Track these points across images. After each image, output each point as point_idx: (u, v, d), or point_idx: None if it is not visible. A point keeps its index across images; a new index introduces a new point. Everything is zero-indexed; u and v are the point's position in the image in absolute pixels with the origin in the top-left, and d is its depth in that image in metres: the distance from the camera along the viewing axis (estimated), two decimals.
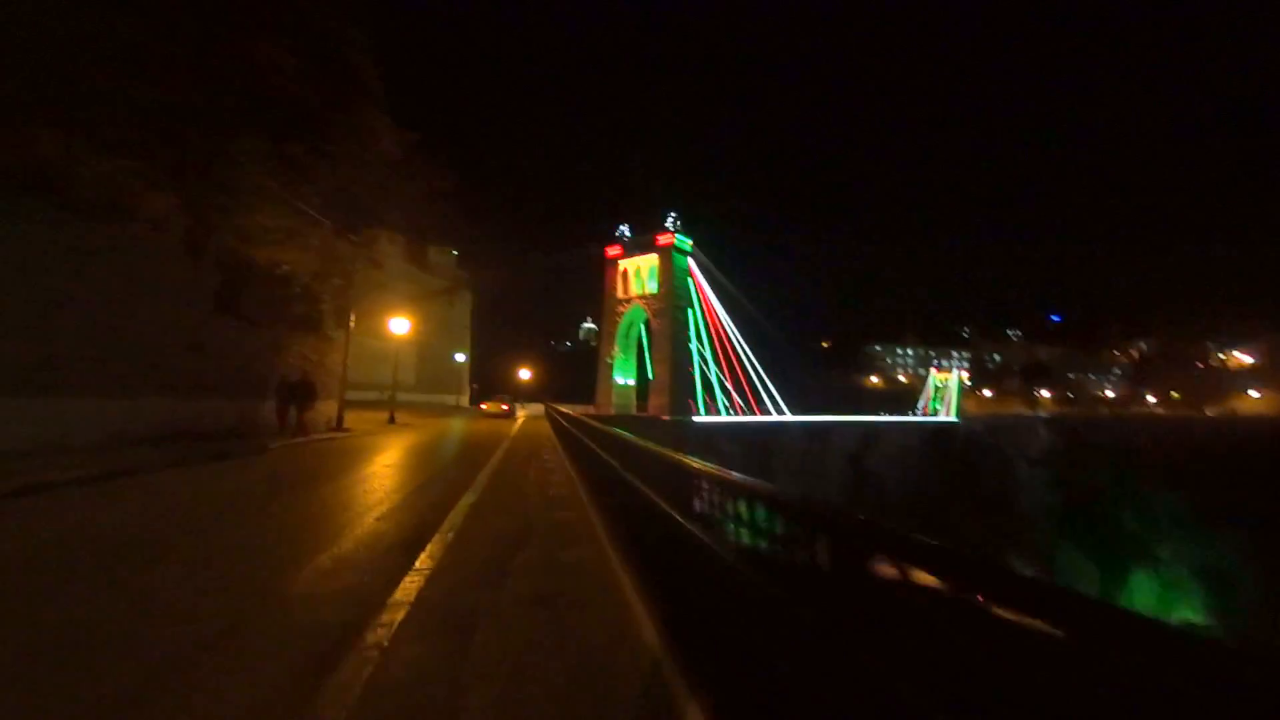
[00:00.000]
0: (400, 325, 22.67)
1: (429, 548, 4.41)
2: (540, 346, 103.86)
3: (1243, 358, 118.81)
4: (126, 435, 10.45)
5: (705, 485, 3.01)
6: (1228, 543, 48.22)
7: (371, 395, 35.65)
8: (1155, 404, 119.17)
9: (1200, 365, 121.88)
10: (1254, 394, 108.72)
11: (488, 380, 65.20)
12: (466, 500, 6.54)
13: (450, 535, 4.85)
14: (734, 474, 2.61)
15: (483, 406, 40.85)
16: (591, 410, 43.31)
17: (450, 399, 48.65)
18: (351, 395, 32.92)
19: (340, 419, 17.80)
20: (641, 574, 3.81)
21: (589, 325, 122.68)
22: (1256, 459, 61.03)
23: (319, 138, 15.55)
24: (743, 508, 2.45)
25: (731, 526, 2.55)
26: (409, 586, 3.50)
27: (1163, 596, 49.27)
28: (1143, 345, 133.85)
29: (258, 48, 12.98)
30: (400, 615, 3.06)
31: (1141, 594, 49.37)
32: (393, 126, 18.06)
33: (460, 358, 53.36)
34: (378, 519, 5.49)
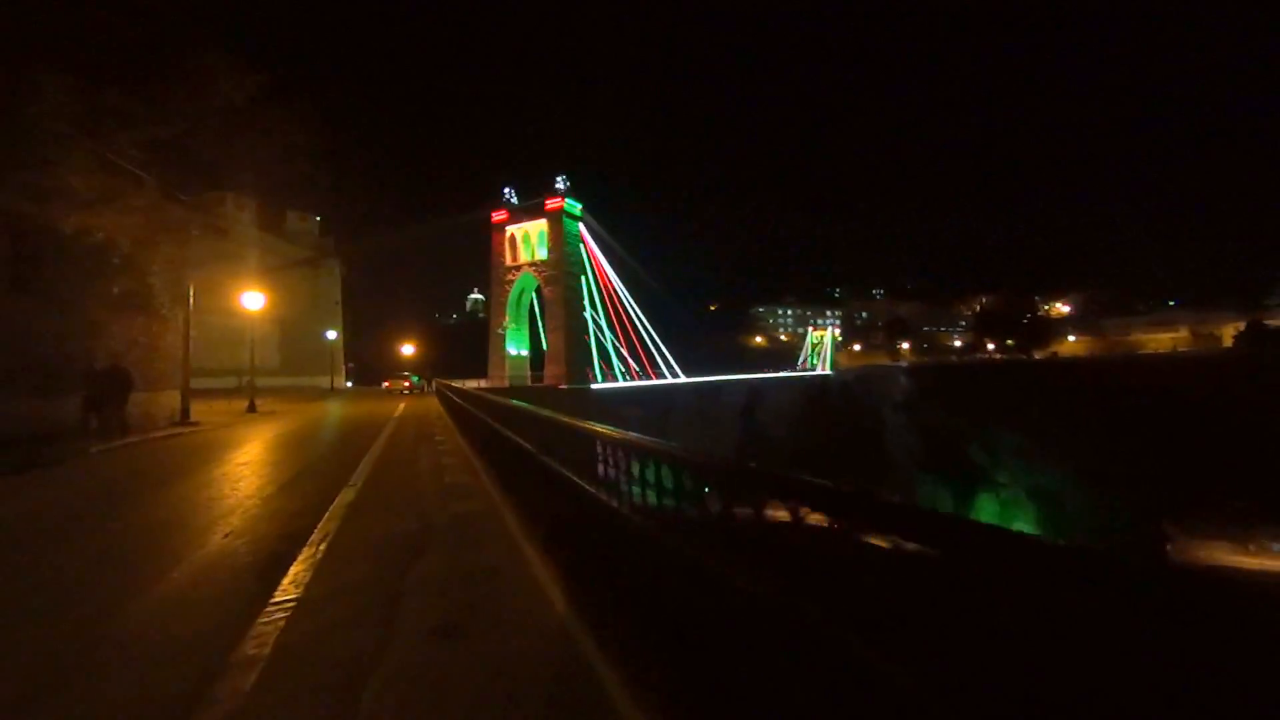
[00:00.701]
0: (254, 300, 19.88)
1: (293, 569, 3.53)
2: (425, 320, 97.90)
3: (1062, 308, 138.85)
4: None
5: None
6: (1052, 469, 56.47)
7: (229, 383, 31.53)
8: (994, 350, 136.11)
9: (1029, 316, 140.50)
10: (1071, 339, 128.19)
11: (365, 359, 60.47)
12: (343, 498, 5.57)
13: (322, 547, 3.97)
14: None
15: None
16: (484, 384, 41.46)
17: (323, 381, 44.43)
18: (203, 384, 28.95)
19: (185, 411, 15.32)
20: (569, 578, 3.27)
21: (476, 295, 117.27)
22: (1073, 393, 71.51)
23: (139, 79, 12.84)
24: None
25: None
26: (264, 631, 2.65)
27: (1003, 514, 57.19)
28: (984, 299, 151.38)
29: None
30: (250, 679, 2.26)
31: (986, 513, 56.98)
32: (236, 67, 15.31)
33: (331, 335, 48.75)
34: (226, 535, 4.45)
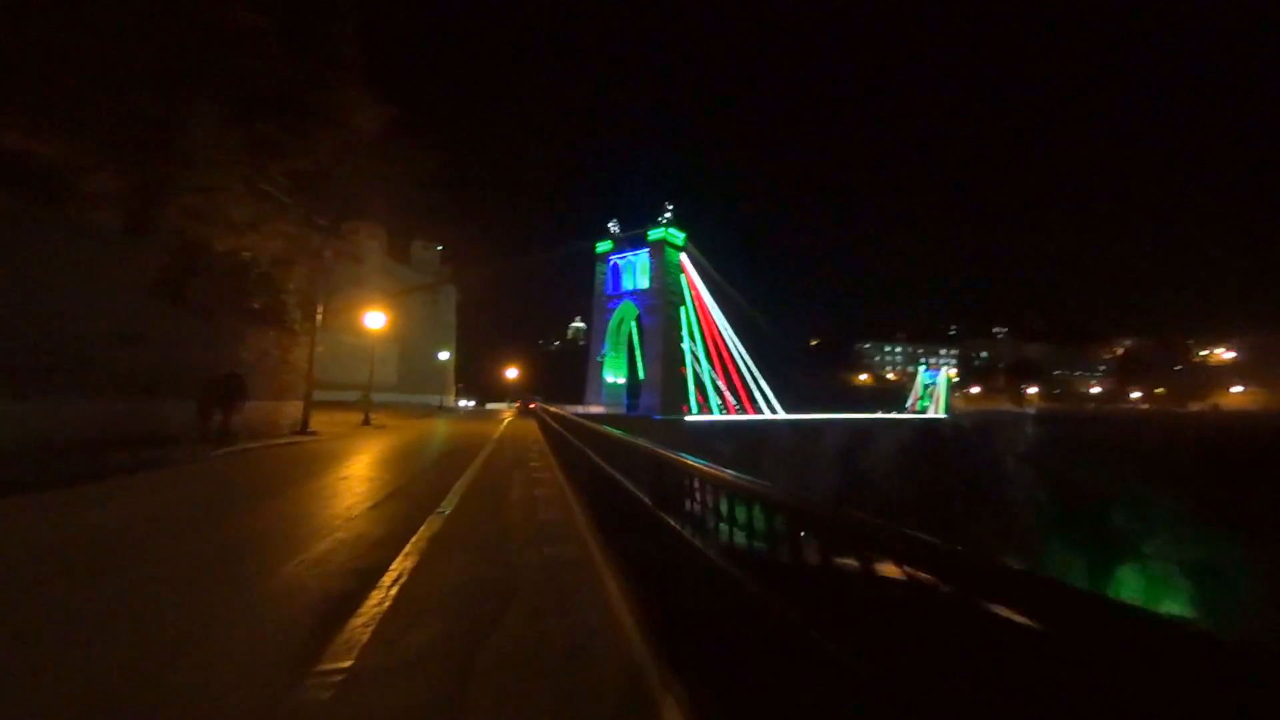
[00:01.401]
0: (375, 320, 21.04)
1: (353, 623, 2.93)
2: (528, 345, 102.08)
3: (1224, 354, 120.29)
4: (42, 440, 8.86)
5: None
6: (1217, 540, 47.92)
7: (350, 396, 33.88)
8: (1139, 399, 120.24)
9: (1182, 362, 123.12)
10: (1237, 389, 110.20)
11: (473, 380, 63.46)
12: (429, 528, 5.06)
13: (393, 591, 3.38)
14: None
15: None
16: (580, 409, 41.80)
17: (434, 399, 46.84)
18: (326, 396, 31.22)
19: (305, 421, 16.18)
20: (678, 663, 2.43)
21: (578, 324, 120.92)
22: (1243, 452, 61.03)
23: (291, 113, 14.01)
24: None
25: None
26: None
27: (1149, 591, 48.98)
28: (1127, 343, 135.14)
29: (226, 5, 11.41)
30: None
31: (1128, 589, 49.00)
32: (373, 102, 16.45)
33: (444, 356, 51.54)
34: (299, 562, 4.03)
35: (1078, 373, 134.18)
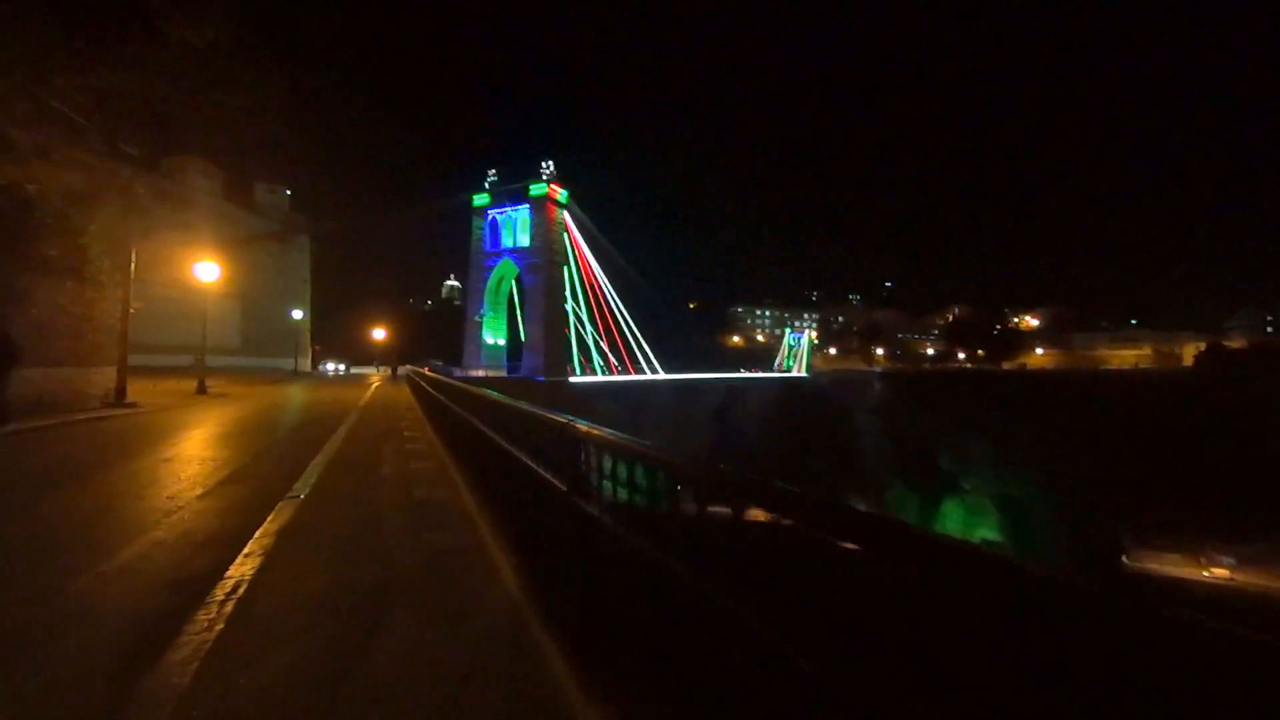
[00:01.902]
0: (207, 271, 18.11)
1: (167, 658, 2.31)
2: (397, 304, 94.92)
3: (1031, 321, 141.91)
4: None
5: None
6: (1019, 479, 57.23)
7: (184, 361, 29.35)
8: (965, 359, 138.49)
9: (999, 328, 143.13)
10: (1040, 351, 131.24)
11: (332, 341, 58.01)
12: (278, 518, 4.28)
13: (227, 608, 2.73)
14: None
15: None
16: (459, 372, 39.79)
17: (287, 363, 42.21)
18: (153, 360, 26.90)
19: (121, 390, 13.65)
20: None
21: (452, 282, 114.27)
22: (1040, 405, 72.77)
23: (90, 17, 11.23)
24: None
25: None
26: None
27: (967, 520, 57.82)
28: (955, 310, 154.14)
29: None
30: None
31: (951, 519, 57.50)
32: (197, 6, 13.62)
33: (298, 314, 46.43)
34: (99, 573, 3.18)
35: (916, 336, 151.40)
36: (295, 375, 38.99)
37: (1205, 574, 25.88)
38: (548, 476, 3.34)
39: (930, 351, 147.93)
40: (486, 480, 5.17)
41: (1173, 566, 26.94)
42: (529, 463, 3.87)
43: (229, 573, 3.19)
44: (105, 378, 14.00)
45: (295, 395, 20.84)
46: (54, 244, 12.87)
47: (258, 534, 3.90)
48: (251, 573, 3.18)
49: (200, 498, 4.93)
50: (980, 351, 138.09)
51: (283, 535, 3.89)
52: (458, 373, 37.61)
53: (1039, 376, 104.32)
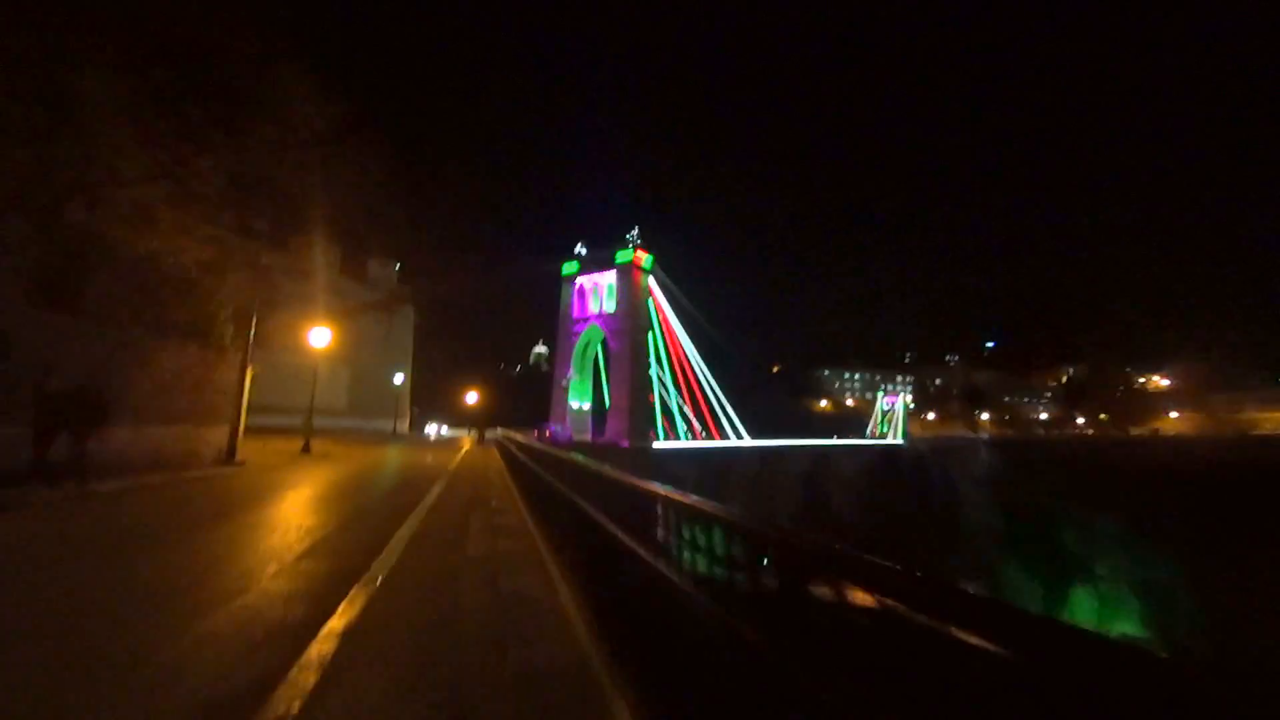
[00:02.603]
0: (319, 336, 19.16)
1: None
2: (488, 369, 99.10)
3: (1161, 381, 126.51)
4: None
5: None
6: (1160, 563, 49.39)
7: (296, 421, 31.28)
8: (1084, 424, 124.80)
9: (1123, 389, 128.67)
10: (1174, 415, 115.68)
11: (430, 404, 60.61)
12: (344, 615, 3.63)
13: None
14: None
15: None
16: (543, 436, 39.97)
17: (387, 424, 44.21)
18: (267, 420, 28.75)
19: (232, 449, 14.21)
20: None
21: (540, 349, 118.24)
22: (1185, 479, 63.40)
23: (225, 99, 12.41)
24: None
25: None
26: None
27: (1102, 612, 49.92)
28: (1070, 370, 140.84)
29: None
30: None
31: (1082, 610, 49.75)
32: (319, 94, 14.80)
33: (399, 379, 48.99)
34: (136, 688, 2.57)
35: (1025, 399, 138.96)
36: (394, 436, 40.61)
37: None
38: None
39: (1043, 416, 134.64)
40: (590, 570, 4.32)
41: None
42: (635, 547, 3.09)
43: (276, 693, 2.47)
44: (220, 435, 14.66)
45: (391, 457, 21.23)
46: (182, 310, 13.89)
47: (322, 632, 3.20)
48: (301, 701, 2.43)
49: (274, 576, 4.38)
50: (1103, 416, 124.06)
51: (345, 637, 3.17)
52: (545, 435, 37.74)
53: (1178, 444, 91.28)
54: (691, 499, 2.57)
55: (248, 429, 20.17)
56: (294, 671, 2.70)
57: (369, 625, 3.37)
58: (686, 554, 2.56)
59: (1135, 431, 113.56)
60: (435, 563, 5.02)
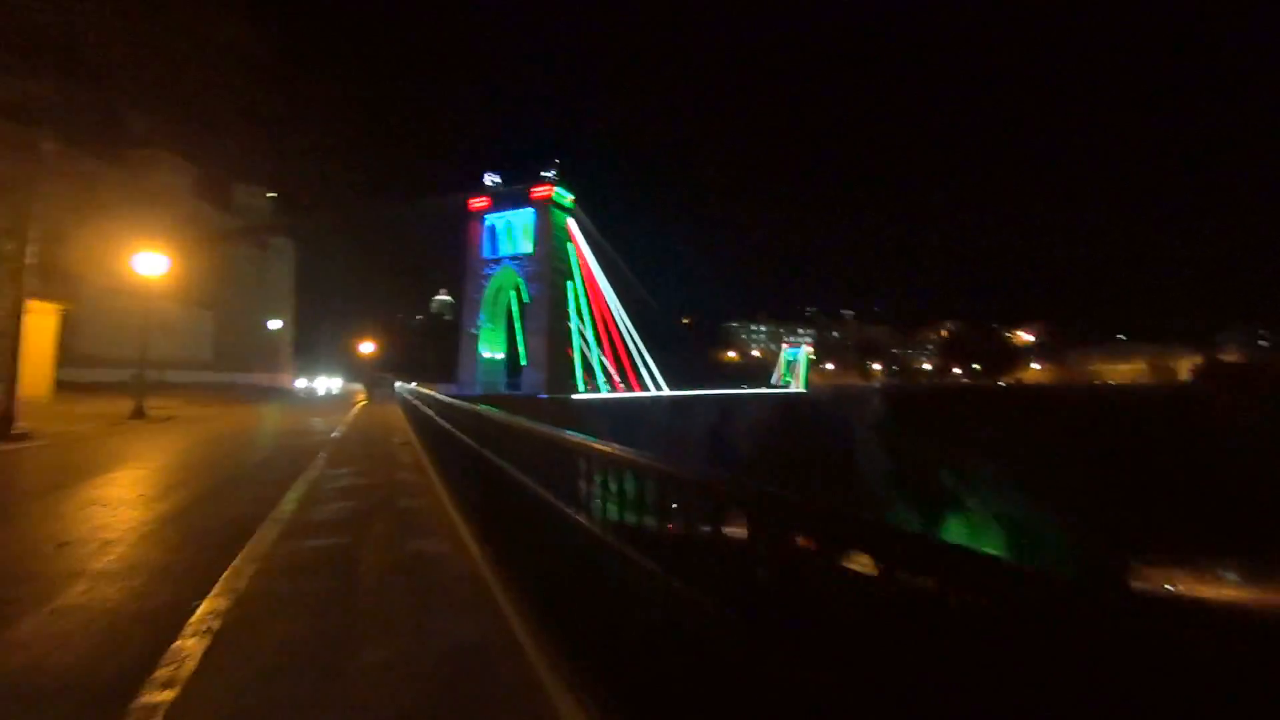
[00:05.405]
0: (149, 262, 14.68)
1: None
2: (383, 317, 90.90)
3: (1025, 336, 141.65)
4: None
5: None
6: (1019, 498, 55.44)
7: (152, 375, 25.70)
8: (961, 374, 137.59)
9: (994, 343, 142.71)
10: (1036, 366, 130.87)
11: (315, 355, 54.12)
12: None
13: None
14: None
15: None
16: (455, 389, 36.23)
17: (263, 379, 38.41)
18: (94, 376, 23.18)
19: (9, 415, 10.06)
20: None
21: (443, 297, 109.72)
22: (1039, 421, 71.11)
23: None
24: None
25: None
26: None
27: (971, 538, 55.44)
28: (949, 325, 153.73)
29: None
30: None
31: (955, 537, 55.06)
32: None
33: (275, 325, 42.58)
34: None
35: (910, 351, 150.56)
36: (276, 393, 35.14)
37: (1210, 590, 23.86)
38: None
39: (927, 367, 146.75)
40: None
41: (1178, 582, 25.07)
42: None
43: None
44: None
45: (261, 418, 17.33)
46: None
47: None
48: None
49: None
50: (976, 366, 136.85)
51: None
52: (454, 389, 34.04)
53: (1035, 392, 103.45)
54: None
55: (61, 386, 15.51)
56: None
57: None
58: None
59: (1003, 381, 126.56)
60: (319, 585, 2.39)
